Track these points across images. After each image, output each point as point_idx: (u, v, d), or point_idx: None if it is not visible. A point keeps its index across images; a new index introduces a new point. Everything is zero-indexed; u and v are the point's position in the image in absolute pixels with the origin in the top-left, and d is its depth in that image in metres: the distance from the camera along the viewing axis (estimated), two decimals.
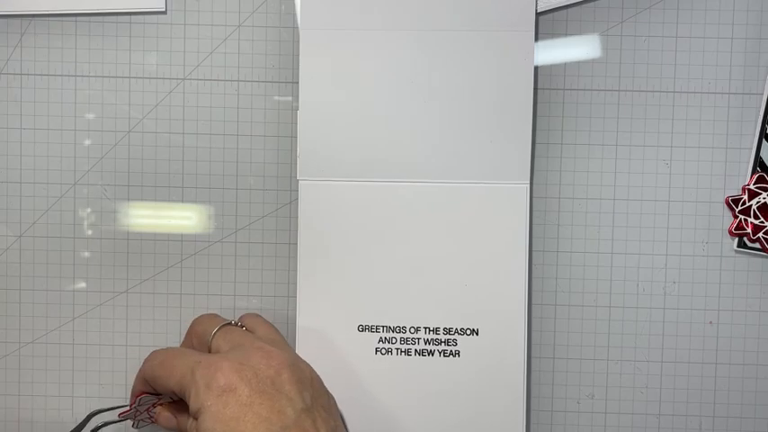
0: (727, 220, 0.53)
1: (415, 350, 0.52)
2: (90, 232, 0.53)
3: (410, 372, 0.52)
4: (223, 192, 0.53)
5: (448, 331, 0.52)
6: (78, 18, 0.53)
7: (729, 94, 0.53)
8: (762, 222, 0.53)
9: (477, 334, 0.51)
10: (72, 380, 0.54)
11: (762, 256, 0.53)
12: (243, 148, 0.53)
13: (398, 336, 0.52)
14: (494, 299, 0.51)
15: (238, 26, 0.53)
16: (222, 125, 0.53)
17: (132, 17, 0.53)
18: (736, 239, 0.53)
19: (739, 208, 0.53)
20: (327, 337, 0.51)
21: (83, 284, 0.53)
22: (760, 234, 0.53)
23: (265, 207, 0.53)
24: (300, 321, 0.52)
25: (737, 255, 0.53)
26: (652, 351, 0.53)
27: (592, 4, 0.53)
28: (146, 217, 0.53)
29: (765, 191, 0.53)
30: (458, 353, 0.52)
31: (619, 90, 0.53)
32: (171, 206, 0.53)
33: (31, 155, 0.53)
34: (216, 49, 0.53)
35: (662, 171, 0.53)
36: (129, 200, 0.53)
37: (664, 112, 0.53)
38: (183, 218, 0.53)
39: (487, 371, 0.51)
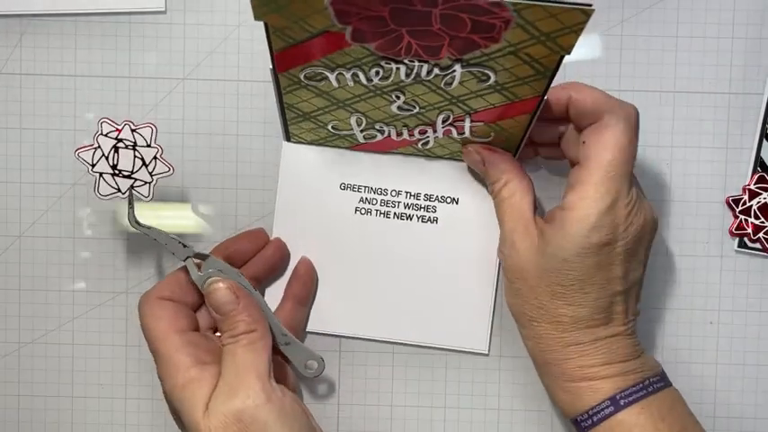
0: (728, 220, 0.53)
1: (395, 213, 0.53)
2: (90, 232, 0.53)
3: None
4: (223, 192, 0.53)
5: (428, 198, 0.52)
6: (78, 18, 0.53)
7: (729, 94, 0.53)
8: (762, 222, 0.53)
9: (456, 203, 0.52)
10: (72, 380, 0.54)
11: (762, 256, 0.53)
12: (243, 147, 0.53)
13: (379, 198, 0.52)
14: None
15: (238, 26, 0.53)
16: (222, 125, 0.53)
17: (132, 17, 0.53)
18: (737, 239, 0.53)
19: (740, 208, 0.53)
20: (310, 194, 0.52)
21: (83, 284, 0.53)
22: (760, 234, 0.53)
23: (265, 207, 0.53)
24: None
25: (738, 255, 0.53)
26: (652, 351, 0.53)
27: (592, 4, 0.53)
28: (146, 217, 0.53)
29: (766, 191, 0.53)
30: (436, 219, 0.52)
31: (619, 90, 0.53)
32: (171, 206, 0.53)
33: (30, 155, 0.53)
34: (216, 49, 0.53)
35: (662, 171, 0.53)
36: None
37: (664, 112, 0.53)
38: (183, 218, 0.53)
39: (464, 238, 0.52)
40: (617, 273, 0.45)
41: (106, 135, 0.47)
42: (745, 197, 0.53)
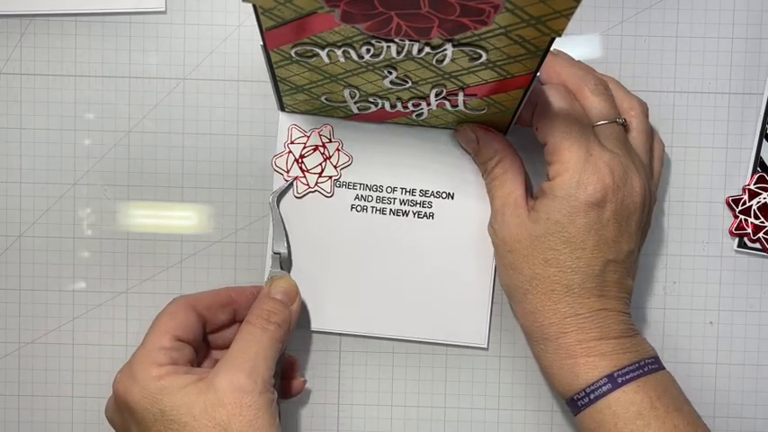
0: (728, 220, 0.53)
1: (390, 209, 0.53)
2: (90, 232, 0.53)
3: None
4: (223, 192, 0.53)
5: (424, 194, 0.53)
6: (78, 18, 0.53)
7: (729, 94, 0.53)
8: (762, 222, 0.53)
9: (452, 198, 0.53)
10: (72, 380, 0.54)
11: (762, 256, 0.53)
12: (243, 147, 0.53)
13: (374, 194, 0.53)
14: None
15: (238, 26, 0.53)
16: (222, 125, 0.53)
17: (132, 17, 0.53)
18: (737, 239, 0.53)
19: (740, 208, 0.53)
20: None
21: (83, 284, 0.53)
22: (760, 234, 0.53)
23: (265, 207, 0.53)
24: None
25: (738, 255, 0.53)
26: None
27: (592, 3, 0.53)
28: (146, 217, 0.53)
29: (766, 191, 0.53)
30: (432, 215, 0.53)
31: None
32: (171, 206, 0.53)
33: (30, 155, 0.53)
34: (216, 49, 0.53)
35: (662, 171, 0.53)
36: (129, 200, 0.53)
37: (664, 112, 0.53)
38: (183, 218, 0.53)
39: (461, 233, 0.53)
40: (607, 237, 0.46)
41: (294, 141, 0.51)
42: (745, 197, 0.53)
